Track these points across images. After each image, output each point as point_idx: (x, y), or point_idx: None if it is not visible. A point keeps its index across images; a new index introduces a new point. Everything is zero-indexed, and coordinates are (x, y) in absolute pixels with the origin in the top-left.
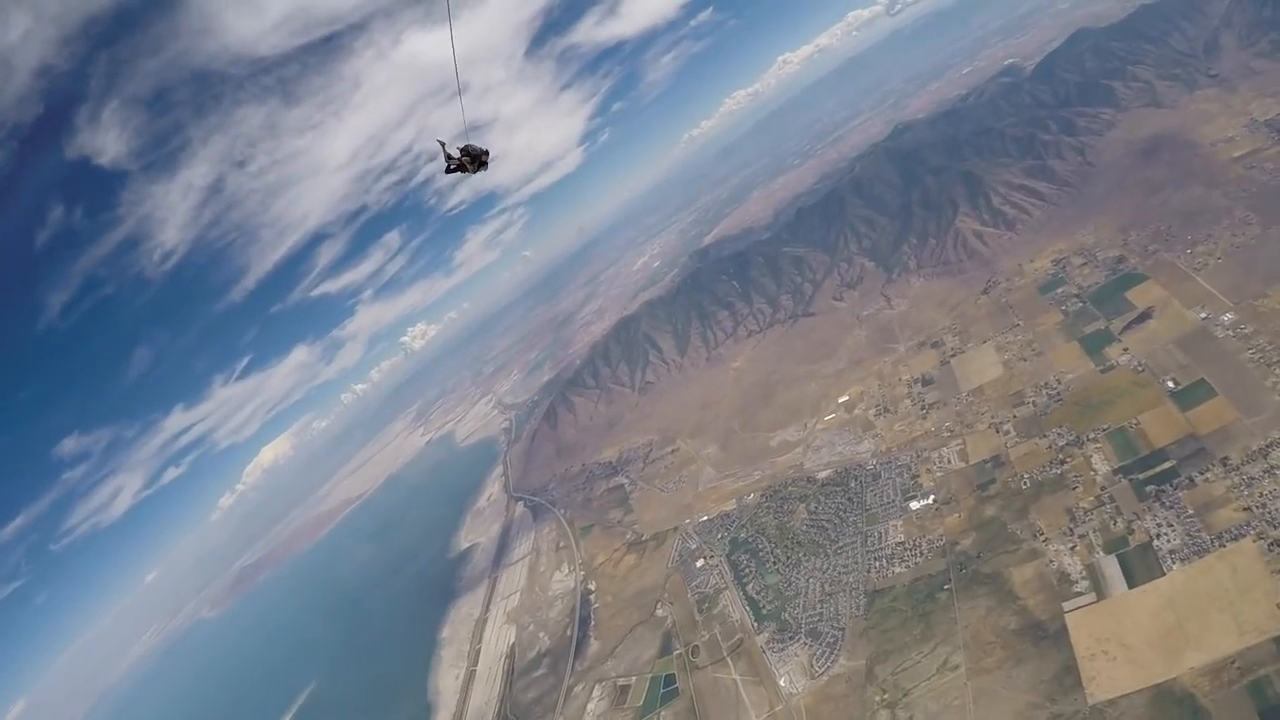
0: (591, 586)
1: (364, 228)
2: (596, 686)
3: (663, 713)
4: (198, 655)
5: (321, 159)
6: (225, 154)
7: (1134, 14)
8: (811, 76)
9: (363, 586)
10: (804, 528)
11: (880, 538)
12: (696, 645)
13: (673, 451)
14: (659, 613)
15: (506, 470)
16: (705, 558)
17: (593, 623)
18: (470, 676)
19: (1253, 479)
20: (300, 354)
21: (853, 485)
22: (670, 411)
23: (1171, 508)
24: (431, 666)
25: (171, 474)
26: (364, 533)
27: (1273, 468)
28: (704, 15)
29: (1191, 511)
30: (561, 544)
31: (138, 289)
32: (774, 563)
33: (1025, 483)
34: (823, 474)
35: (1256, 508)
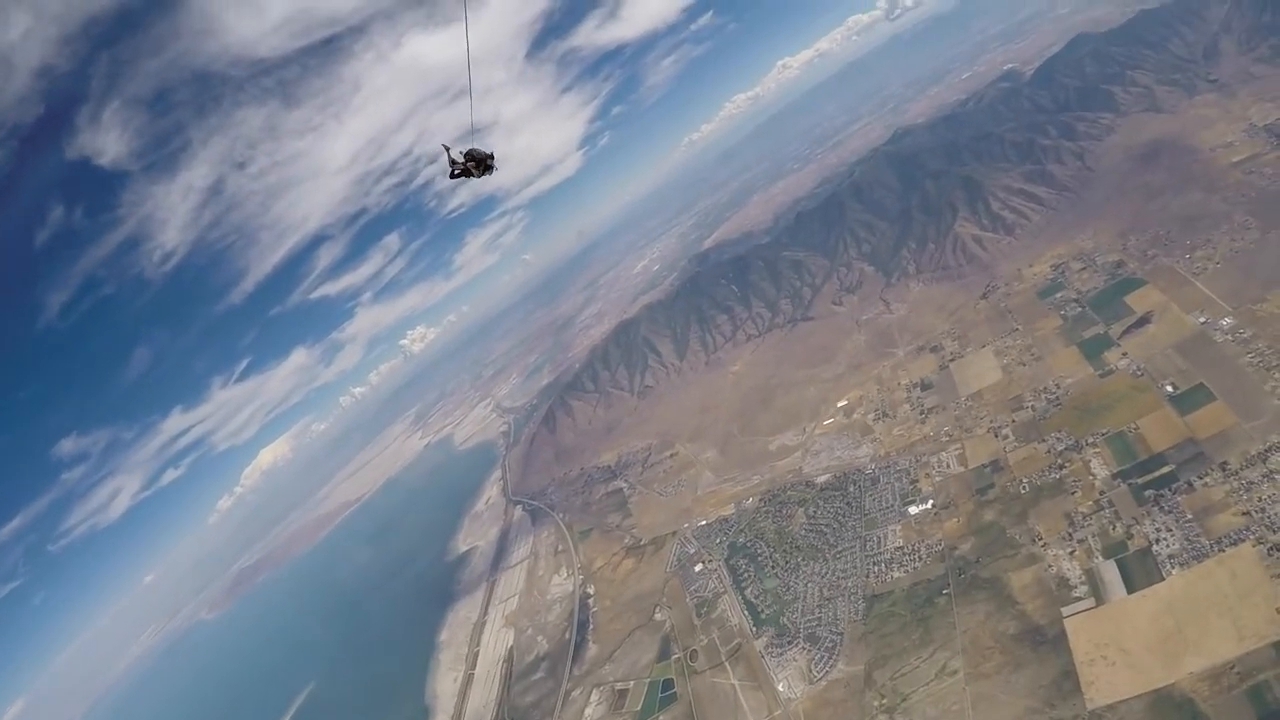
0: (590, 590)
1: (364, 230)
2: (594, 691)
3: (661, 717)
4: (196, 656)
5: (321, 161)
6: (225, 155)
7: (1133, 19)
8: (811, 81)
9: (361, 589)
10: (803, 532)
11: (879, 542)
12: (695, 650)
13: (671, 456)
14: (657, 617)
15: (505, 474)
16: (704, 562)
17: (591, 627)
18: (468, 680)
19: (1252, 483)
20: (299, 356)
21: (851, 490)
22: (669, 416)
23: (1170, 512)
24: (429, 669)
25: (170, 476)
26: (362, 536)
27: (1272, 472)
28: (704, 19)
29: (1190, 516)
30: (560, 548)
31: (137, 290)
32: (772, 567)
33: (1024, 487)
34: (821, 478)
35: (1256, 512)
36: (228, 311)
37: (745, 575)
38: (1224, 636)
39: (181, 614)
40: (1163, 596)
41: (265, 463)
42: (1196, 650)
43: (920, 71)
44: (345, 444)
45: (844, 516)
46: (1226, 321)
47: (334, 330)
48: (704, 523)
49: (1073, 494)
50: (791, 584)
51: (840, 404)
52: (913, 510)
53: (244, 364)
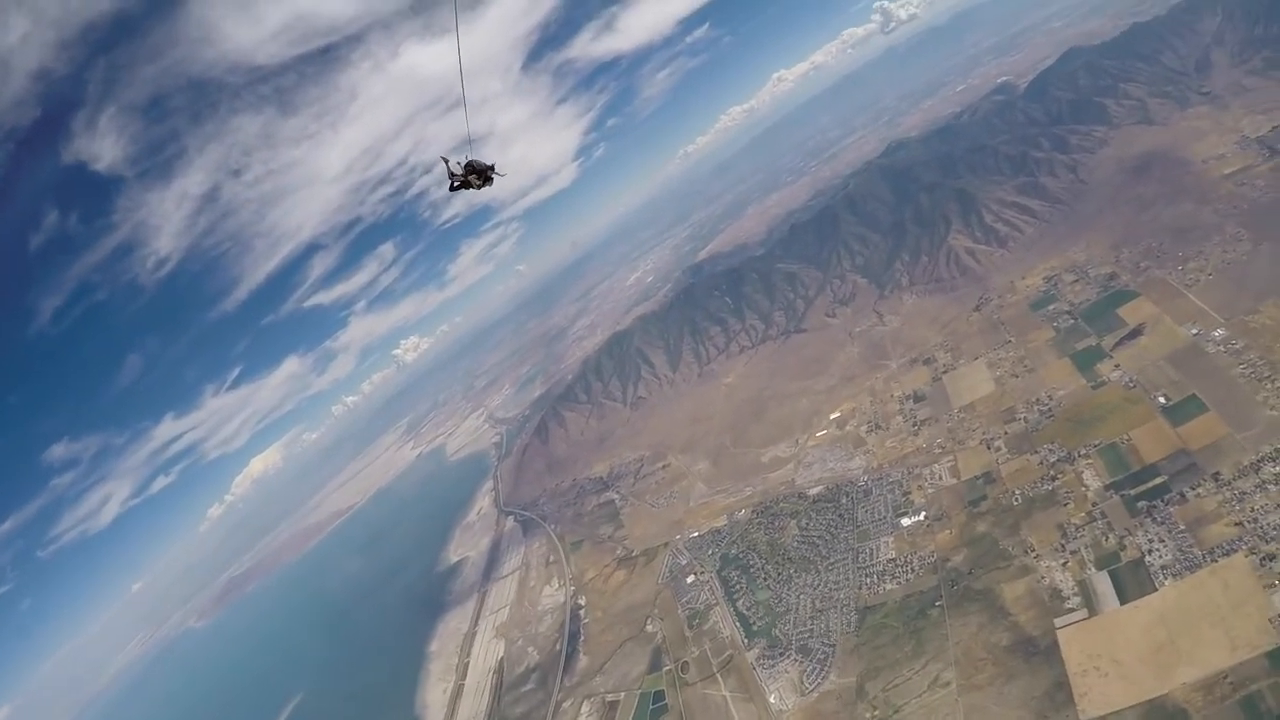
0: (581, 601)
1: (358, 239)
2: (585, 702)
3: None
4: (185, 664)
5: (317, 170)
6: (221, 162)
7: (1126, 32)
8: (806, 94)
9: (351, 599)
10: (795, 544)
11: (871, 554)
12: (686, 661)
13: (664, 467)
14: (649, 628)
15: (497, 485)
16: (696, 573)
17: (582, 638)
18: (458, 690)
19: (1244, 494)
20: (292, 365)
21: (844, 501)
22: (662, 427)
23: (1163, 523)
24: (419, 680)
25: (161, 483)
26: (353, 545)
27: (1264, 483)
28: (700, 32)
29: (1183, 527)
30: (551, 559)
31: (131, 296)
32: (765, 579)
33: (1017, 499)
34: (814, 490)
35: (1248, 523)
36: (221, 319)
37: (737, 587)
38: (1217, 647)
39: (170, 621)
40: (1155, 607)
41: (256, 471)
42: (1189, 660)
43: (914, 84)
44: (337, 453)
45: (836, 528)
46: (1218, 333)
47: (327, 339)
48: (696, 534)
49: (1065, 505)
50: (784, 595)
51: (833, 416)
52: (905, 522)
53: (236, 372)
